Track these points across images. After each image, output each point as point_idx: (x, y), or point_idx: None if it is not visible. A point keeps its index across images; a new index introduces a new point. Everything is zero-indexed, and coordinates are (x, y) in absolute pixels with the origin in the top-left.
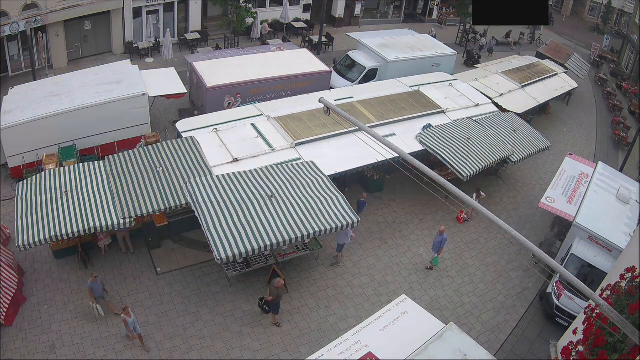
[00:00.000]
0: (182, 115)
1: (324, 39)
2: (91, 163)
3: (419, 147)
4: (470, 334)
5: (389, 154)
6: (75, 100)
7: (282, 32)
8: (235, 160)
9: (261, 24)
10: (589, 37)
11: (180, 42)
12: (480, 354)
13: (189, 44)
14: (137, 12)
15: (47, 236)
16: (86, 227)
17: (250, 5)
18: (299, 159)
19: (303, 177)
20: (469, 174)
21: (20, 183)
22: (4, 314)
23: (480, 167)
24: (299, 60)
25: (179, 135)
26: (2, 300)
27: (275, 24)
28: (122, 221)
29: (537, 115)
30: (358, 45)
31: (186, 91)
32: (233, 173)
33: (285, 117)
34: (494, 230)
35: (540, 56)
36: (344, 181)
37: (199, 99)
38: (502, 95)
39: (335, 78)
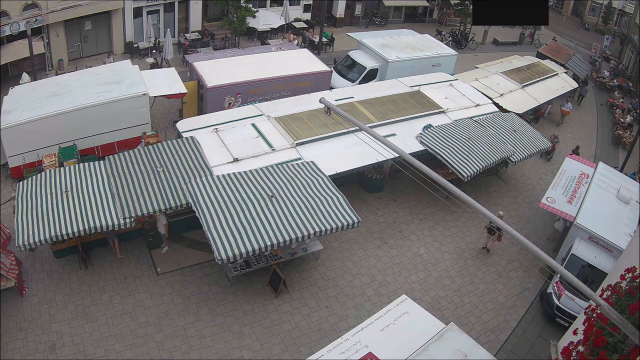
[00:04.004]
0: (183, 115)
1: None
2: (91, 163)
3: (419, 147)
4: (470, 334)
5: (390, 154)
6: (76, 100)
7: (283, 32)
8: (236, 160)
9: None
10: (589, 37)
11: (180, 43)
12: (480, 354)
13: (189, 44)
14: (137, 12)
15: (47, 236)
16: (86, 227)
17: (251, 5)
18: (299, 159)
19: (303, 177)
20: (469, 174)
21: (21, 183)
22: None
23: (481, 167)
24: (299, 60)
25: (179, 135)
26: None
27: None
28: (122, 221)
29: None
30: (358, 45)
31: (186, 91)
32: (233, 173)
33: (286, 117)
34: None
35: (541, 56)
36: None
37: (199, 99)
38: (502, 95)
39: (336, 78)
